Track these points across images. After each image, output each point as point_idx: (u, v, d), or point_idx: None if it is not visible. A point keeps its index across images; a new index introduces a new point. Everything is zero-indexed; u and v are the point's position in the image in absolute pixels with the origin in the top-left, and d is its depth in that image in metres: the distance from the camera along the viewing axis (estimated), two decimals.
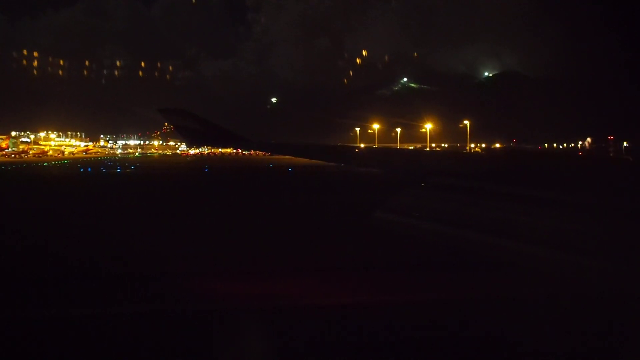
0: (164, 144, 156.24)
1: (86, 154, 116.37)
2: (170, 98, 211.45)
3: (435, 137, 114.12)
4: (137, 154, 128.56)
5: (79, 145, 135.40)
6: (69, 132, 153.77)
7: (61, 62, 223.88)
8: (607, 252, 2.99)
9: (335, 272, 8.38)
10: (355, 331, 5.66)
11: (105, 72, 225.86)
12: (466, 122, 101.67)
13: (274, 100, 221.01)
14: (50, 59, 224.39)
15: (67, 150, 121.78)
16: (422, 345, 5.34)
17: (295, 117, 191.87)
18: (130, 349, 5.24)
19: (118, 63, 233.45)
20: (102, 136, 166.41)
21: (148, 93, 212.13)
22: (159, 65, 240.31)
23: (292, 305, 6.59)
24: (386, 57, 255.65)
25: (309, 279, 7.96)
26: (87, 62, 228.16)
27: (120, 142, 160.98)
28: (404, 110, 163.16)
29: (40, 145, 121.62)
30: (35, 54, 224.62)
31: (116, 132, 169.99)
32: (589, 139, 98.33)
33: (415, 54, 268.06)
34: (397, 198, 4.13)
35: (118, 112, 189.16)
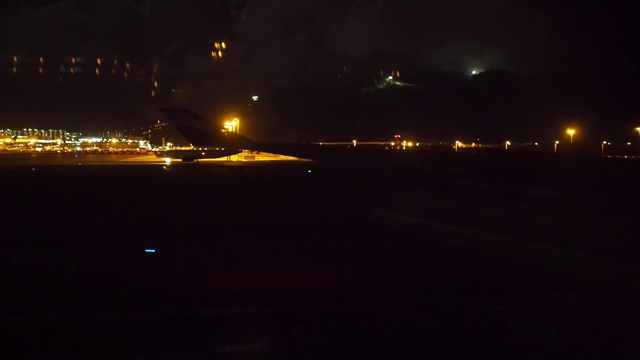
0: (126, 141, 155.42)
1: None
2: (156, 95, 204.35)
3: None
4: (59, 151, 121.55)
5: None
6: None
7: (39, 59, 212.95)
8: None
9: None
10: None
11: (63, 68, 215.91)
12: None
13: (254, 98, 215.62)
14: (35, 58, 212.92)
15: None
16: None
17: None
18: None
19: (73, 59, 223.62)
20: (67, 134, 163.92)
21: (128, 90, 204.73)
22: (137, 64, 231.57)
23: None
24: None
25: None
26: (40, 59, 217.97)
27: (82, 140, 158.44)
28: None
29: None
30: None
31: (81, 129, 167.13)
32: None
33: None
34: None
35: (78, 110, 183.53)
